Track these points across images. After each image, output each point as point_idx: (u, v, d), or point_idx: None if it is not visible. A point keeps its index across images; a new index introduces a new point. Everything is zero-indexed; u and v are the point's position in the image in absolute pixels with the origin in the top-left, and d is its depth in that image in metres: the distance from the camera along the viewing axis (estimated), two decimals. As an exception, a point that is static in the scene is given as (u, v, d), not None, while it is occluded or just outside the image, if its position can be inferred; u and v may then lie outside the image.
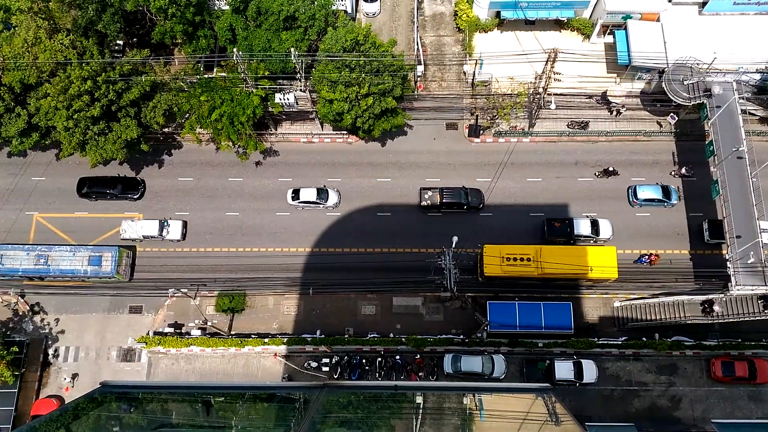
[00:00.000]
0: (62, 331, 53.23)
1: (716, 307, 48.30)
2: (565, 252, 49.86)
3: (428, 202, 54.10)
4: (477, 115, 56.55)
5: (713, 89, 49.86)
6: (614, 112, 56.80)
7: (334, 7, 54.54)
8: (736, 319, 48.65)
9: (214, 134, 52.42)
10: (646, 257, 52.37)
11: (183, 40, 54.43)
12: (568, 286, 52.08)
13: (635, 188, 54.22)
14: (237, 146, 54.69)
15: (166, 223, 54.39)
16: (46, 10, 51.62)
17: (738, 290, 46.39)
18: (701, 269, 52.03)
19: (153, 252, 54.92)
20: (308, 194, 54.81)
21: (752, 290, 46.42)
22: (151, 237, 54.09)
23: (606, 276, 49.32)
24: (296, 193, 54.95)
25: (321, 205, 54.91)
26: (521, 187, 55.84)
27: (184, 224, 55.25)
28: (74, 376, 51.97)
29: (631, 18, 54.91)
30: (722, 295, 48.00)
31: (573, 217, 53.77)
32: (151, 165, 57.63)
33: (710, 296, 48.48)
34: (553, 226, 53.09)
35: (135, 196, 55.72)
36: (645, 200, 53.78)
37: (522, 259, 49.41)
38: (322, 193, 54.89)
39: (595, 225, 53.08)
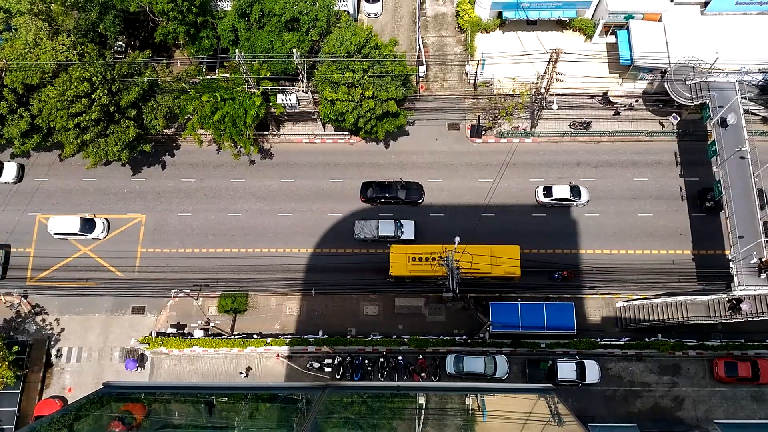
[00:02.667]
0: (65, 332, 53.30)
1: (744, 306, 47.26)
2: (470, 251, 50.02)
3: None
4: (479, 116, 56.54)
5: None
6: (624, 107, 56.46)
7: (336, 8, 54.58)
8: (739, 320, 48.56)
9: (216, 135, 52.45)
10: (558, 274, 52.21)
11: (185, 41, 54.51)
12: (505, 285, 52.35)
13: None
14: (239, 147, 54.76)
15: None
16: (47, 12, 51.73)
17: (741, 290, 46.30)
18: (704, 269, 51.95)
19: (154, 252, 54.99)
20: (561, 191, 54.01)
21: (755, 291, 46.32)
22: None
23: (510, 273, 49.78)
24: (548, 191, 54.33)
25: (574, 203, 54.25)
26: (523, 188, 55.79)
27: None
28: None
29: (633, 18, 54.87)
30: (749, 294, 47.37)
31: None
32: (153, 166, 57.71)
33: (739, 294, 47.31)
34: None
35: (419, 201, 55.17)
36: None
37: (427, 259, 49.92)
38: (573, 190, 54.07)
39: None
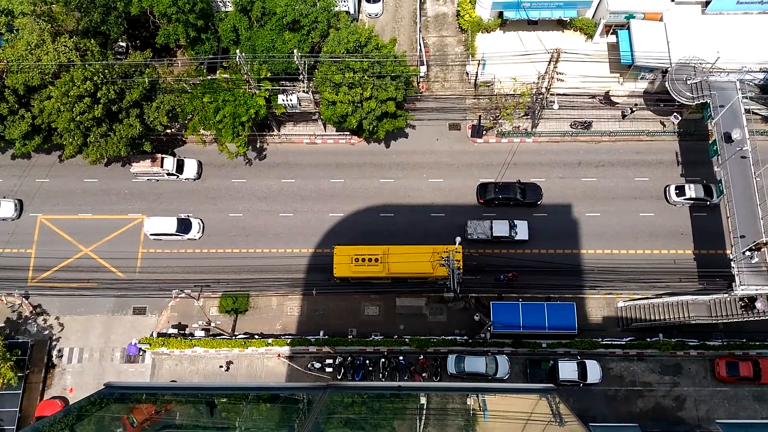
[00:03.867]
0: (66, 332, 53.36)
1: (759, 305, 47.02)
2: (412, 251, 50.32)
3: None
4: (480, 116, 56.52)
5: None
6: (632, 110, 56.45)
7: (336, 8, 54.59)
8: (740, 319, 48.50)
9: (217, 135, 52.44)
10: (503, 275, 52.19)
11: (187, 43, 54.51)
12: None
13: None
14: (236, 148, 54.60)
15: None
16: (49, 13, 51.78)
17: (742, 290, 46.24)
18: (705, 269, 51.91)
19: (156, 253, 55.02)
20: (694, 191, 52.85)
21: (756, 290, 46.26)
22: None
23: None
24: (680, 190, 53.54)
25: (707, 202, 52.90)
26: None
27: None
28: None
29: (633, 17, 54.83)
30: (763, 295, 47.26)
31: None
32: (154, 166, 57.76)
33: (753, 292, 47.02)
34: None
35: (537, 202, 54.57)
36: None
37: (370, 260, 50.11)
38: (706, 189, 52.88)
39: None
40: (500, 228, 52.99)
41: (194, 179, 56.54)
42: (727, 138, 48.25)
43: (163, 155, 55.78)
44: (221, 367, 51.43)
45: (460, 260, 49.41)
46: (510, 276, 52.04)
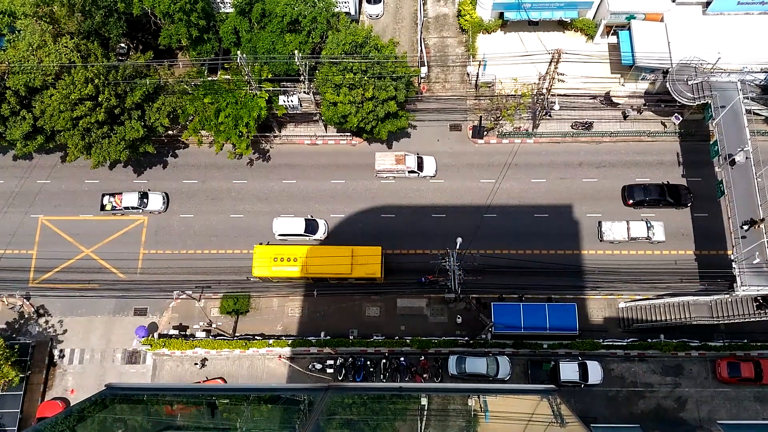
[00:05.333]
0: (67, 333, 53.38)
1: None
2: (331, 252, 50.59)
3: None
4: (480, 116, 56.53)
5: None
6: (637, 111, 56.42)
7: (336, 9, 54.63)
8: (741, 320, 48.46)
9: (215, 135, 52.37)
10: (424, 277, 51.98)
11: (188, 44, 54.57)
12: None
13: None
14: (235, 147, 54.71)
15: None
16: (51, 15, 51.84)
17: (743, 291, 46.19)
18: (706, 270, 51.86)
19: (156, 254, 55.04)
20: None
21: (758, 291, 46.21)
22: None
23: (370, 274, 50.08)
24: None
25: None
26: (525, 188, 55.79)
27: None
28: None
29: (634, 18, 54.82)
30: (727, 296, 47.79)
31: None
32: (155, 168, 57.80)
33: (755, 293, 46.86)
34: None
35: (688, 203, 53.93)
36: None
37: (289, 260, 50.22)
38: None
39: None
40: (638, 229, 52.73)
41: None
42: (732, 162, 48.00)
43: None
44: (196, 364, 51.46)
45: (378, 263, 49.96)
46: (431, 278, 52.08)
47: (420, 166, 55.35)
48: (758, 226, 46.22)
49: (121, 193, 55.56)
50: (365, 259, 50.17)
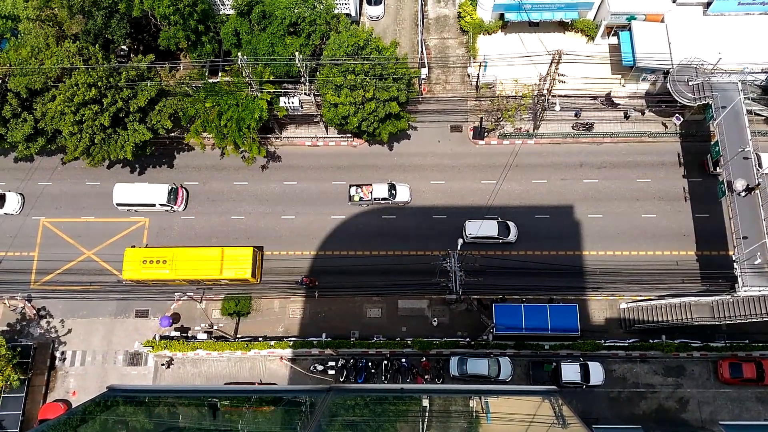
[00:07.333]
0: (69, 335, 53.40)
1: None
2: (200, 254, 50.80)
3: None
4: (481, 117, 56.55)
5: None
6: (641, 112, 56.42)
7: (336, 11, 54.67)
8: (743, 321, 48.42)
9: (217, 139, 52.44)
10: (302, 279, 52.50)
11: (187, 46, 54.66)
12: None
13: None
14: (242, 151, 54.85)
15: None
16: (53, 18, 51.91)
17: (745, 291, 46.18)
18: (708, 270, 51.84)
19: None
20: None
21: (759, 291, 46.19)
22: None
23: (240, 276, 50.36)
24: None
25: None
26: (526, 189, 55.79)
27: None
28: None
29: (635, 19, 54.84)
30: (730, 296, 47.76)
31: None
32: (156, 169, 57.84)
33: (756, 293, 46.67)
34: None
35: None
36: None
37: (158, 262, 50.50)
38: None
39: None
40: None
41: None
42: (729, 187, 47.93)
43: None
44: (163, 365, 51.71)
45: (248, 264, 50.30)
46: (305, 281, 52.34)
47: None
48: (755, 191, 46.54)
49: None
50: (235, 261, 50.69)
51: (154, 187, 54.85)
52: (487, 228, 53.20)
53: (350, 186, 55.48)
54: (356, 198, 54.87)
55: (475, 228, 53.06)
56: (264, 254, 54.53)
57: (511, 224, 53.71)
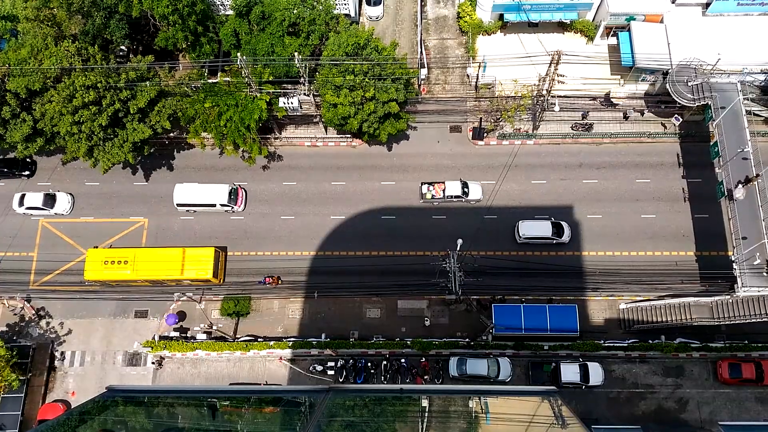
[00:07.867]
0: (68, 336, 53.36)
1: None
2: (161, 254, 51.00)
3: None
4: (481, 118, 56.57)
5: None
6: (641, 112, 56.47)
7: (336, 11, 54.67)
8: (742, 321, 48.42)
9: (216, 139, 52.42)
10: (264, 279, 52.66)
11: (187, 46, 54.64)
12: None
13: None
14: (243, 151, 54.83)
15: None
16: (52, 18, 51.87)
17: (744, 292, 46.20)
18: (707, 271, 51.85)
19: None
20: None
21: (758, 292, 46.21)
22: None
23: (201, 277, 50.75)
24: None
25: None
26: (525, 190, 55.81)
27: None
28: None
29: (634, 19, 54.87)
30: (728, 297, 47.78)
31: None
32: (156, 170, 57.83)
33: (743, 296, 46.83)
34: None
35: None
36: None
37: (120, 262, 50.66)
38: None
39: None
40: None
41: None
42: (730, 195, 47.95)
43: None
44: (153, 363, 51.66)
45: (209, 264, 50.46)
46: (267, 281, 52.48)
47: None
48: (752, 183, 46.67)
49: None
50: (197, 261, 50.79)
51: (214, 188, 54.60)
52: (541, 228, 52.86)
53: (422, 184, 55.04)
54: (428, 195, 54.37)
55: (529, 228, 52.70)
56: (228, 254, 54.61)
57: (564, 224, 53.36)
